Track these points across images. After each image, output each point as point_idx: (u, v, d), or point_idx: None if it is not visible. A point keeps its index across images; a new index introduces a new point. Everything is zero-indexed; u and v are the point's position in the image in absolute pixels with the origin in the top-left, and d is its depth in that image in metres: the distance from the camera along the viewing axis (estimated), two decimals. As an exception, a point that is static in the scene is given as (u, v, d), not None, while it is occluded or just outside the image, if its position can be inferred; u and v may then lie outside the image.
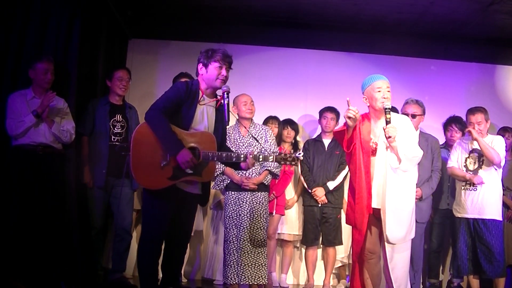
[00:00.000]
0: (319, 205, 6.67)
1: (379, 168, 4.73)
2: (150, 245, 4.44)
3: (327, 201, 6.64)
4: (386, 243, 4.70)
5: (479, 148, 6.04)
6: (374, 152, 4.78)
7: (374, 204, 4.74)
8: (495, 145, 6.02)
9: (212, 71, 4.50)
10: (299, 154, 4.53)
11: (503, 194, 6.25)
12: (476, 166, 6.08)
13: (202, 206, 4.90)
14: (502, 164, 6.06)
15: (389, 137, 4.59)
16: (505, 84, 8.23)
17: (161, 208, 4.38)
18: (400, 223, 4.67)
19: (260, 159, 4.50)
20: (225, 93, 4.54)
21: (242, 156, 4.47)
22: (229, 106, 4.53)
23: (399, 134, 4.65)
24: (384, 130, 4.63)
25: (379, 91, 4.74)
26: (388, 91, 4.75)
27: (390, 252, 4.71)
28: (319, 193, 6.63)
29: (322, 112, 6.94)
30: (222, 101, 4.55)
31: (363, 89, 4.87)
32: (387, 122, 4.62)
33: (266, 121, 6.87)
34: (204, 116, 4.52)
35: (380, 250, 4.83)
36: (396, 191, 4.67)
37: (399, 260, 4.74)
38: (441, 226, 6.81)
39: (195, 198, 4.63)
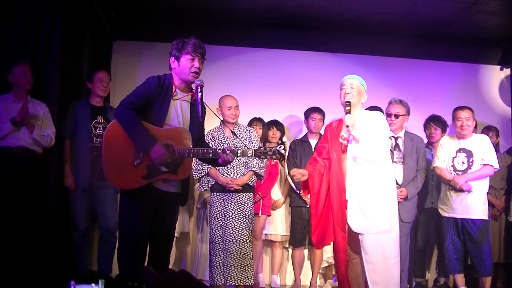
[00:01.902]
0: (307, 206, 6.66)
1: (351, 160, 4.88)
2: (128, 249, 4.27)
3: (316, 201, 6.61)
4: (360, 241, 4.74)
5: (466, 147, 6.07)
6: (346, 148, 4.96)
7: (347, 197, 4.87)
8: (485, 148, 6.04)
9: (184, 64, 4.26)
10: (280, 147, 4.43)
11: (488, 193, 6.26)
12: (465, 166, 6.08)
13: (181, 206, 4.77)
14: (498, 166, 6.09)
15: (347, 126, 4.83)
16: (488, 84, 8.29)
17: (137, 210, 4.19)
18: (363, 212, 4.74)
19: (239, 154, 4.30)
20: (199, 87, 4.27)
21: (219, 151, 4.27)
22: (202, 101, 4.27)
23: (366, 127, 4.85)
24: (343, 120, 4.90)
25: (342, 89, 5.03)
26: (352, 88, 4.99)
27: (363, 247, 4.74)
28: None
29: (309, 113, 6.93)
30: (196, 95, 4.31)
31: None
32: (346, 113, 4.88)
33: (250, 123, 6.87)
34: (178, 111, 4.31)
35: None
36: (356, 180, 4.80)
37: (373, 256, 4.74)
38: (426, 225, 6.82)
39: (174, 197, 4.43)
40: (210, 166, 5.81)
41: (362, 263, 4.78)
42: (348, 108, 4.89)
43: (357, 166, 4.82)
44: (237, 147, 5.72)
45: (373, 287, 4.70)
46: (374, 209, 4.75)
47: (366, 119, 4.93)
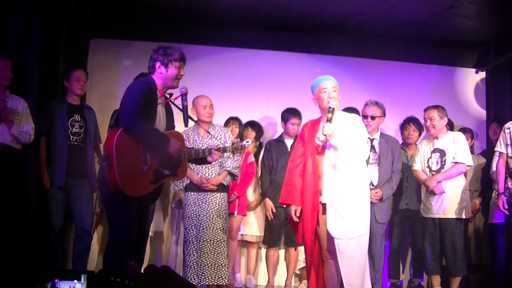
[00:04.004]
0: (284, 206, 6.65)
1: (328, 164, 4.76)
2: (120, 248, 4.33)
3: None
4: (336, 244, 4.66)
5: (440, 147, 6.10)
6: (323, 149, 4.83)
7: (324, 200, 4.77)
8: (457, 145, 6.02)
9: (172, 71, 4.42)
10: (247, 142, 4.87)
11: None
12: (439, 166, 6.10)
13: (150, 204, 4.86)
14: (471, 162, 6.08)
15: (324, 135, 4.65)
16: (464, 86, 8.37)
17: (131, 210, 4.30)
18: (342, 217, 4.65)
19: (220, 151, 4.70)
20: (184, 95, 4.52)
21: (207, 151, 4.59)
22: (187, 108, 4.50)
23: (344, 132, 4.72)
24: (322, 128, 4.69)
25: (325, 92, 4.81)
26: (335, 91, 4.83)
27: (340, 250, 4.65)
28: (267, 205, 6.71)
29: (288, 118, 6.86)
30: (181, 102, 4.53)
31: (312, 91, 4.96)
32: (327, 120, 4.68)
33: (227, 122, 6.85)
34: (160, 115, 4.45)
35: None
36: (334, 184, 4.69)
37: (349, 259, 4.66)
38: (400, 226, 6.85)
39: (148, 197, 4.53)
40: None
41: (338, 266, 4.67)
42: (330, 115, 4.67)
43: (332, 171, 4.70)
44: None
45: None
46: (352, 214, 4.67)
47: (345, 122, 4.80)
